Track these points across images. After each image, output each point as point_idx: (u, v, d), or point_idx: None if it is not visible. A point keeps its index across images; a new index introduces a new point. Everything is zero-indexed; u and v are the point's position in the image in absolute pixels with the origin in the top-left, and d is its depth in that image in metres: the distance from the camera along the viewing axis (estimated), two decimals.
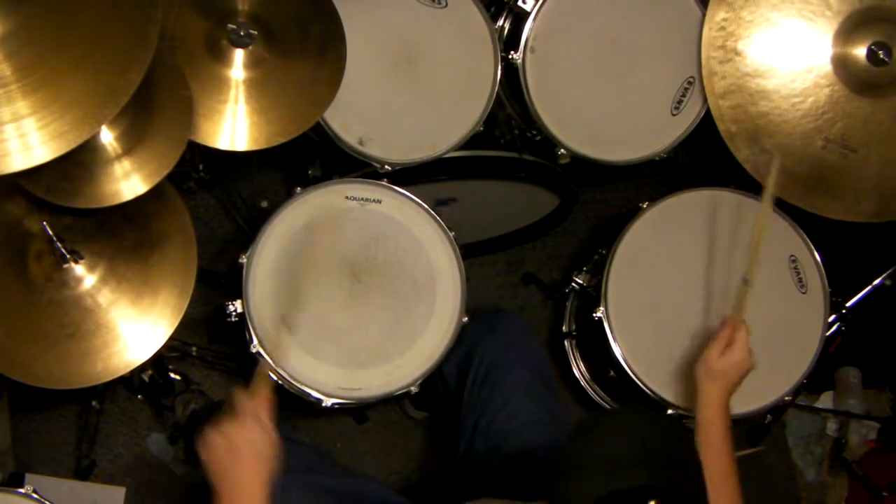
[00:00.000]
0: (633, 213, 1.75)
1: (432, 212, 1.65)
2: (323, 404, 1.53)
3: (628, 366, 1.66)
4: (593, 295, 1.81)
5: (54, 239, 1.32)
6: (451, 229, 1.64)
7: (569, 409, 2.01)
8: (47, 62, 1.12)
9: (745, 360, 1.46)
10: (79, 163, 1.31)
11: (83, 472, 1.90)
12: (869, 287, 1.89)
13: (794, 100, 1.69)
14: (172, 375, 1.94)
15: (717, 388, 1.44)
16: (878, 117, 1.69)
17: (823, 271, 1.75)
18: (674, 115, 1.81)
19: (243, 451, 1.19)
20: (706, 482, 1.16)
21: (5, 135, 1.10)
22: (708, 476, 1.19)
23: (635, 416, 1.08)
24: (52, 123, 1.11)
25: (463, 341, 1.62)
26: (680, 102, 1.80)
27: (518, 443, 1.52)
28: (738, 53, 1.71)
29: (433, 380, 1.66)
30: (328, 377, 1.53)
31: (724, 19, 1.71)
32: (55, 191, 1.30)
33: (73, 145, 1.11)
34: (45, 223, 1.32)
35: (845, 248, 1.82)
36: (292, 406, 1.79)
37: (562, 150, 1.78)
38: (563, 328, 2.05)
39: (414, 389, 1.57)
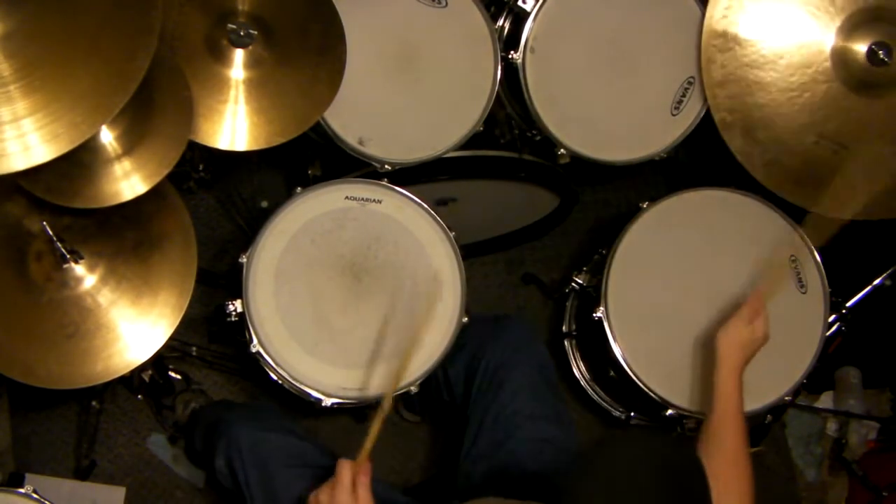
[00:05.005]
0: (633, 213, 1.75)
1: (432, 212, 1.65)
2: (323, 404, 1.53)
3: (628, 366, 1.66)
4: (593, 295, 1.81)
5: (54, 239, 1.32)
6: (451, 229, 1.64)
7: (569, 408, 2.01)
8: (50, 60, 1.12)
9: (767, 332, 1.50)
10: (79, 163, 1.31)
11: (83, 472, 1.90)
12: (869, 287, 1.89)
13: (791, 93, 1.69)
14: (172, 375, 1.94)
15: (739, 358, 1.46)
16: (872, 117, 1.69)
17: (823, 271, 1.75)
18: (674, 115, 1.81)
19: None
20: (720, 457, 1.13)
21: (4, 135, 1.09)
22: (722, 451, 1.17)
23: (651, 440, 1.07)
24: (52, 123, 1.10)
25: (469, 346, 1.63)
26: (680, 102, 1.80)
27: (521, 438, 1.53)
28: (738, 42, 1.71)
29: (431, 386, 1.66)
30: (328, 377, 1.53)
31: (728, 7, 1.71)
32: (55, 191, 1.30)
33: (84, 137, 1.11)
34: (45, 223, 1.32)
35: (845, 248, 1.81)
36: (292, 406, 1.79)
37: (562, 150, 1.78)
38: (563, 328, 2.05)
39: (414, 389, 1.57)
